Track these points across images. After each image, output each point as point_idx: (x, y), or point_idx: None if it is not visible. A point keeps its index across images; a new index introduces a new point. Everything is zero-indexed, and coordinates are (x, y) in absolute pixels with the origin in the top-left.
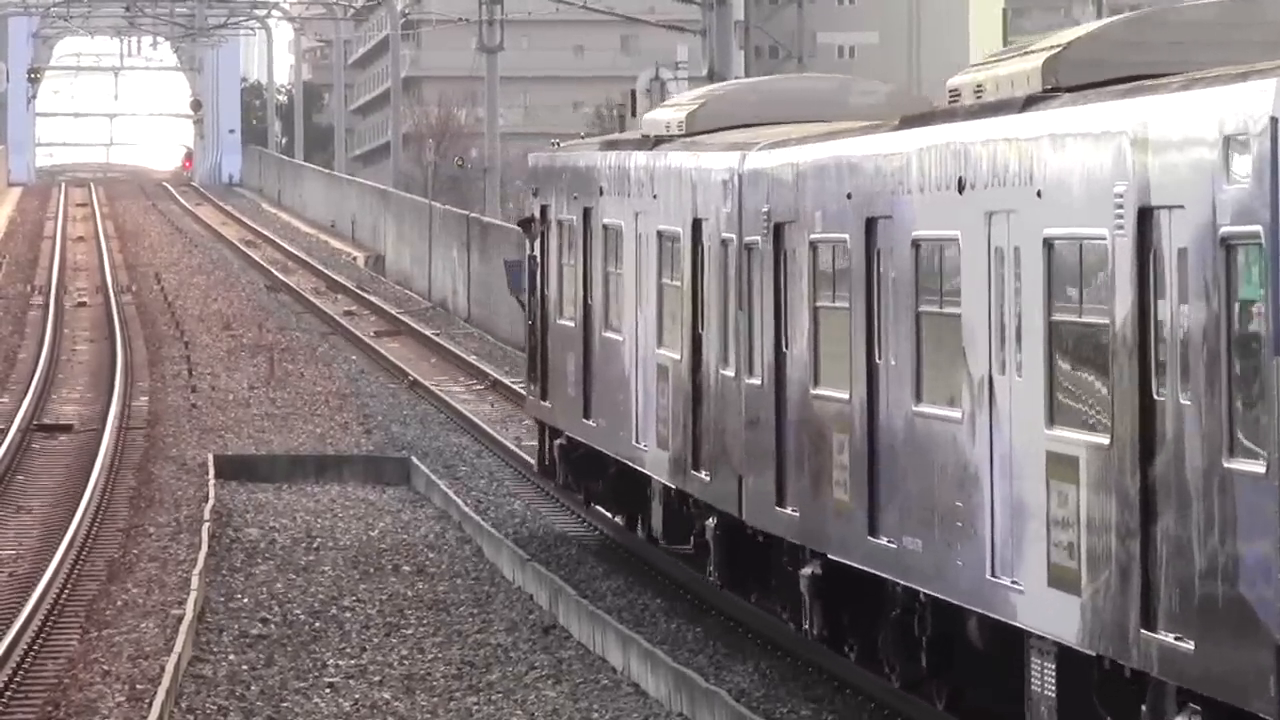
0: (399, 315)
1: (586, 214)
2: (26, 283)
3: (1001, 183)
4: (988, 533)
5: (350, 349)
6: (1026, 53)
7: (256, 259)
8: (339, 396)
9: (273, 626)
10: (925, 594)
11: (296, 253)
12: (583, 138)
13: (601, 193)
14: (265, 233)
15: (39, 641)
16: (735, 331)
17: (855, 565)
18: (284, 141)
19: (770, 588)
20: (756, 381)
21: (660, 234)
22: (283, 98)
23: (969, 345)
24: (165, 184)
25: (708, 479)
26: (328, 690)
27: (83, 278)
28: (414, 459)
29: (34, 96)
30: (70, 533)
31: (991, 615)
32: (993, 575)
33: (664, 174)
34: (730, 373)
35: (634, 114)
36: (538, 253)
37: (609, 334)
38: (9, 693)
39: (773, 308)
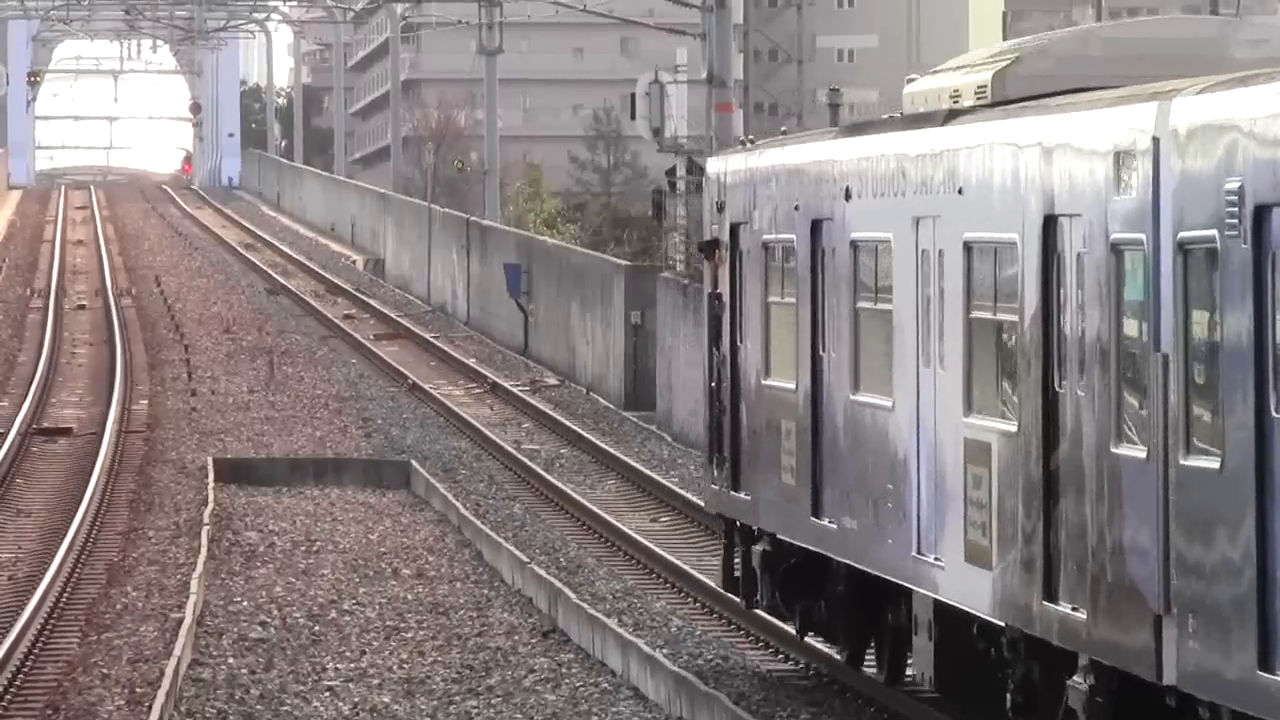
0: (398, 318)
1: (817, 229)
2: (26, 286)
3: None
4: None
5: (350, 352)
6: None
7: (256, 262)
8: (338, 400)
9: (272, 630)
10: None
11: (296, 256)
12: (783, 133)
13: (848, 196)
14: (265, 236)
15: (39, 645)
16: (1149, 388)
17: None
18: (283, 145)
19: None
20: (1208, 467)
21: (970, 246)
22: (282, 101)
23: None
24: (165, 187)
25: (1081, 615)
26: (327, 694)
27: (82, 281)
28: (413, 462)
29: (33, 99)
30: (70, 536)
31: None
32: None
33: (978, 157)
34: (1136, 453)
35: (633, 116)
36: (726, 288)
37: (865, 398)
38: (9, 696)
39: (1251, 347)
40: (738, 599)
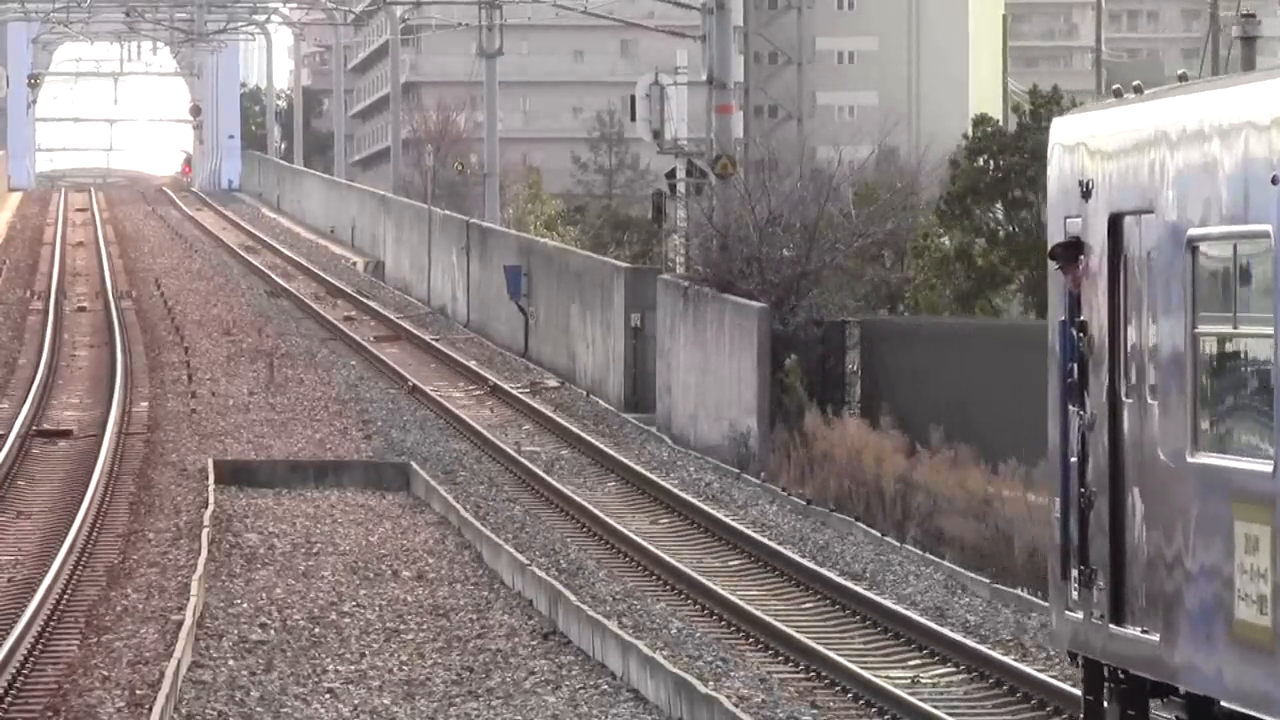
0: (398, 320)
1: None
2: (26, 288)
3: None
4: None
5: (350, 354)
6: None
7: (256, 264)
8: (338, 402)
9: (272, 632)
10: None
11: (296, 258)
12: (1183, 77)
13: None
14: (265, 238)
15: (39, 647)
16: None
17: None
18: (283, 147)
19: None
20: None
21: None
22: (282, 103)
23: None
24: (165, 189)
25: None
26: (327, 696)
27: (82, 283)
28: (413, 464)
29: (34, 102)
30: (70, 538)
31: None
32: None
33: None
34: None
35: (633, 119)
36: (1099, 314)
37: None
38: (9, 698)
39: None
40: None
